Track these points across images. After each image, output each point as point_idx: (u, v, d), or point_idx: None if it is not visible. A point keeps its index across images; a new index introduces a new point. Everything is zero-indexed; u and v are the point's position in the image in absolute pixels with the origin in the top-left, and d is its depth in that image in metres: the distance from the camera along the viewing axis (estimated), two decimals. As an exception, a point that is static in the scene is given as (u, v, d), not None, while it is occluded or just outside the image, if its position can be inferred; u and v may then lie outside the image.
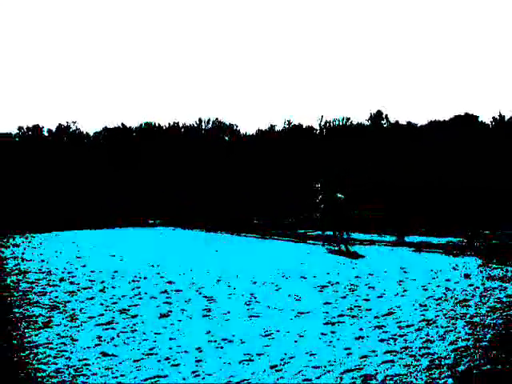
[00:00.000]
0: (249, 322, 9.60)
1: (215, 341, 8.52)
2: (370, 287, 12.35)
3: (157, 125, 57.68)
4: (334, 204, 20.46)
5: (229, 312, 10.27)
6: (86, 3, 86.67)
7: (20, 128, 53.91)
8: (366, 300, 11.05)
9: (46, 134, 53.81)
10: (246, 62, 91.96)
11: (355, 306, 10.51)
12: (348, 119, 65.32)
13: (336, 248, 20.02)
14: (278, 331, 8.99)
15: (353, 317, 9.77)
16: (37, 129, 53.96)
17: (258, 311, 10.29)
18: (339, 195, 20.53)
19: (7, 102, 75.06)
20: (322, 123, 65.94)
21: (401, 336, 8.55)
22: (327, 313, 10.07)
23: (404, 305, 10.49)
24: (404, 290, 11.84)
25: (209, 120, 61.71)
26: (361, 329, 8.99)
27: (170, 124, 58.31)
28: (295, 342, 8.43)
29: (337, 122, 64.68)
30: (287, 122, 63.66)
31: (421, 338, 8.37)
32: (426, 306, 10.37)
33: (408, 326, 9.04)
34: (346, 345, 8.20)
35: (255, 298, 11.48)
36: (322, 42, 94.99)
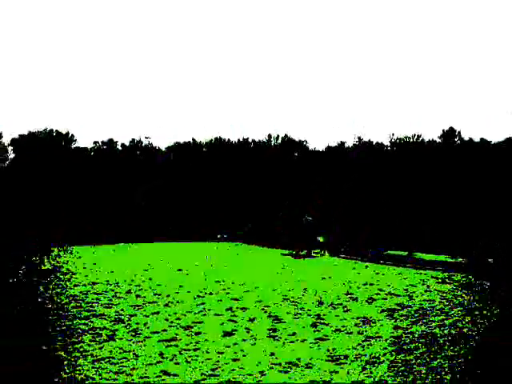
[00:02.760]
0: (315, 344, 9.17)
1: (280, 364, 8.15)
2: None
3: (226, 140, 58.18)
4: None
5: (295, 333, 9.87)
6: (161, 27, 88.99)
7: (95, 142, 55.68)
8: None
9: (120, 148, 55.31)
10: (316, 78, 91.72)
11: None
12: (419, 136, 63.71)
13: None
14: (346, 357, 8.52)
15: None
16: (111, 143, 55.54)
17: (325, 333, 9.84)
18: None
19: (85, 118, 77.81)
20: (393, 140, 64.58)
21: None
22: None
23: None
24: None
25: (278, 136, 61.72)
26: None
27: (239, 140, 58.70)
28: (364, 368, 7.94)
29: (407, 139, 63.20)
30: (357, 139, 62.77)
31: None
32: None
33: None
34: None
35: (322, 319, 11.03)
36: (394, 59, 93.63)
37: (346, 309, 12.10)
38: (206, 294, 13.94)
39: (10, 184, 48.69)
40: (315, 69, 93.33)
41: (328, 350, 8.81)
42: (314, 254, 25.78)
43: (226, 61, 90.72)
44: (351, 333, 9.91)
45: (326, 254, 26.40)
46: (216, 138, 57.32)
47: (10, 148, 56.27)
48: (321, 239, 27.15)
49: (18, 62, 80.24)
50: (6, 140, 56.04)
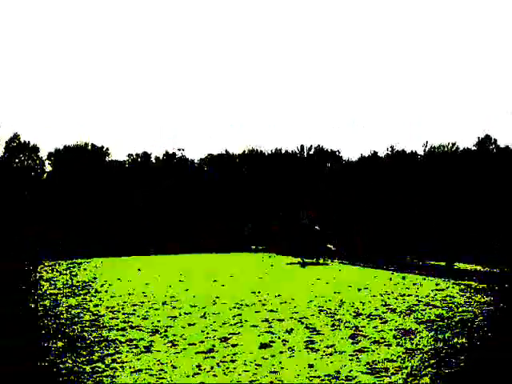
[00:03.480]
0: (354, 356, 9.02)
1: (319, 376, 8.03)
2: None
3: (259, 151, 58.23)
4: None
5: (333, 345, 9.74)
6: (190, 44, 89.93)
7: (130, 155, 56.38)
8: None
9: (154, 160, 55.88)
10: (348, 89, 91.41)
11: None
12: (453, 144, 62.80)
13: None
14: (386, 369, 8.35)
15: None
16: (146, 156, 56.15)
17: (364, 345, 9.69)
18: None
19: (120, 132, 78.95)
20: (427, 149, 63.80)
21: None
22: (440, 351, 9.29)
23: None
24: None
25: (311, 146, 61.57)
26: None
27: (272, 151, 58.67)
28: (405, 382, 7.77)
29: (441, 148, 62.33)
30: (390, 148, 62.21)
31: None
32: None
33: None
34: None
35: (360, 331, 10.86)
36: (427, 67, 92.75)
37: (383, 320, 11.91)
38: (242, 305, 13.89)
39: (48, 196, 49.60)
40: (348, 80, 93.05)
41: (368, 363, 8.66)
42: (321, 262, 26.47)
43: (258, 72, 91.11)
44: (390, 345, 9.73)
45: (335, 261, 27.22)
46: (249, 149, 57.48)
47: (47, 162, 57.34)
48: (331, 247, 27.53)
49: (55, 79, 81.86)
50: (44, 154, 57.12)
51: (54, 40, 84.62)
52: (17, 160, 56.68)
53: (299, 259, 27.16)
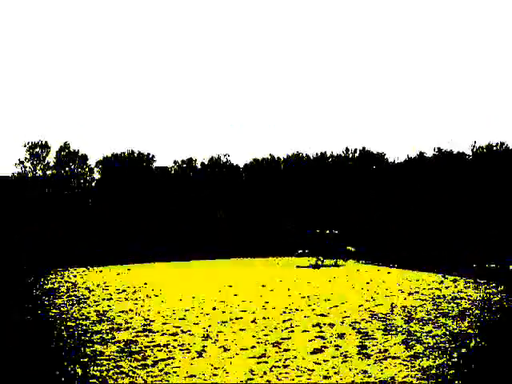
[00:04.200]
0: (408, 362, 8.86)
1: (374, 383, 7.91)
2: None
3: (304, 155, 58.02)
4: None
5: (386, 350, 9.59)
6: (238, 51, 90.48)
7: (175, 162, 56.91)
8: None
9: (199, 166, 56.26)
10: (393, 89, 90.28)
11: None
12: (502, 144, 61.17)
13: None
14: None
15: None
16: (191, 162, 56.57)
17: (418, 351, 9.50)
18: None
19: (165, 138, 79.99)
20: (475, 149, 62.41)
21: None
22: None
23: None
24: None
25: (356, 149, 60.98)
26: None
27: (317, 154, 58.36)
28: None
29: (490, 148, 60.87)
30: (437, 149, 61.08)
31: None
32: None
33: None
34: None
35: (413, 335, 10.67)
36: (471, 65, 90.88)
37: (437, 325, 11.68)
38: (291, 310, 13.84)
39: (98, 203, 50.53)
40: (389, 79, 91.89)
41: (422, 368, 8.49)
42: (339, 263, 27.59)
43: (300, 76, 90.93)
44: (445, 350, 9.53)
45: (349, 261, 28.78)
46: (294, 154, 57.26)
47: (95, 169, 58.45)
48: (351, 249, 29.32)
49: (102, 88, 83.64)
50: (92, 162, 58.29)
51: (96, 49, 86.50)
52: (67, 168, 58.01)
53: (314, 260, 27.96)
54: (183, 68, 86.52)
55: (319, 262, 26.78)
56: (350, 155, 61.55)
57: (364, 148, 61.77)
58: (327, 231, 28.97)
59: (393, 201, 47.61)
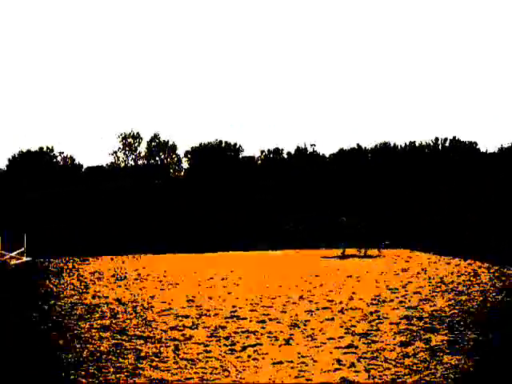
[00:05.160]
0: (503, 359, 8.56)
1: (465, 378, 7.71)
2: None
3: (392, 145, 56.86)
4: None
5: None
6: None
7: (262, 151, 57.42)
8: None
9: (286, 156, 56.44)
10: (485, 75, 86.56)
11: None
12: None
13: None
14: None
15: None
16: (278, 151, 56.86)
17: None
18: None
19: (252, 126, 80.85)
20: None
21: None
22: None
23: None
24: None
25: (446, 139, 59.08)
26: None
27: (405, 144, 57.02)
28: None
29: None
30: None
31: None
32: None
33: None
34: None
35: None
36: None
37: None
38: (379, 301, 13.68)
39: (186, 193, 51.82)
40: (483, 67, 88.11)
41: (518, 366, 8.18)
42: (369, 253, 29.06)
43: (387, 62, 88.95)
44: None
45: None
46: (381, 143, 56.21)
47: (184, 159, 60.04)
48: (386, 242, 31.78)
49: (189, 79, 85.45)
50: (181, 152, 59.95)
51: (181, 40, 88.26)
52: (157, 158, 59.93)
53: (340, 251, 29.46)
54: (269, 56, 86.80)
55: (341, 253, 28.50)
56: (440, 145, 59.70)
57: (455, 137, 59.74)
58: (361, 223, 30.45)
59: (487, 192, 45.85)
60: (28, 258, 27.93)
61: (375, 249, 29.46)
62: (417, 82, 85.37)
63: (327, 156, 56.65)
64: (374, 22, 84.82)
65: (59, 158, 57.81)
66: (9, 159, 56.62)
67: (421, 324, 11.00)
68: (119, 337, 10.57)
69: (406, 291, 15.27)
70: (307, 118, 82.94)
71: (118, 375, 8.21)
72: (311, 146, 56.11)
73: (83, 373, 8.36)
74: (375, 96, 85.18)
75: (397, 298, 14.19)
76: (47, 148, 57.46)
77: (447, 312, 12.23)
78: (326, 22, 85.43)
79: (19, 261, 27.20)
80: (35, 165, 55.14)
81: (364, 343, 9.56)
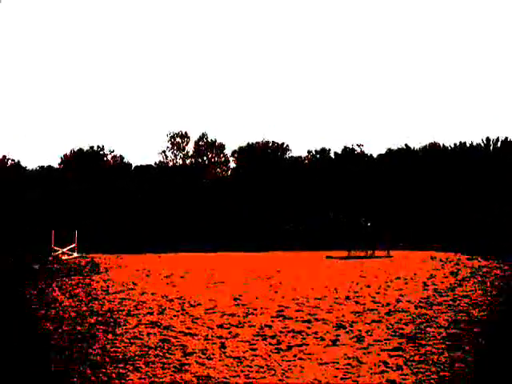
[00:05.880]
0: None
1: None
2: None
3: (441, 145, 55.78)
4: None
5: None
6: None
7: (309, 151, 57.24)
8: None
9: (333, 156, 56.09)
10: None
11: None
12: None
13: None
14: None
15: None
16: (324, 151, 56.57)
17: None
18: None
19: (299, 127, 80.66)
20: None
21: None
22: None
23: None
24: None
25: (497, 139, 57.59)
26: None
27: (455, 144, 55.88)
28: None
29: None
30: None
31: None
32: None
33: None
34: None
35: None
36: None
37: None
38: (427, 304, 13.46)
39: (233, 191, 52.18)
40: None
41: None
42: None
43: (436, 60, 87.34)
44: None
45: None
46: (430, 144, 55.21)
47: (231, 159, 60.42)
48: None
49: (237, 80, 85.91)
50: (229, 151, 60.34)
51: (231, 40, 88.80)
52: (205, 158, 60.47)
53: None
54: (317, 56, 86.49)
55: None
56: (492, 145, 58.25)
57: (507, 138, 58.17)
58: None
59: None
60: (78, 254, 28.63)
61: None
62: (468, 81, 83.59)
63: (375, 156, 56.07)
64: (425, 18, 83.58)
65: (109, 157, 59.03)
66: (61, 158, 58.16)
67: (469, 328, 10.77)
68: (166, 333, 10.74)
69: (454, 295, 14.97)
70: (355, 117, 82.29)
71: (164, 371, 8.34)
72: (358, 146, 55.65)
73: (131, 368, 8.52)
74: (425, 96, 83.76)
75: (445, 301, 13.93)
76: (98, 147, 58.72)
77: (497, 317, 11.94)
78: (375, 21, 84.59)
79: (70, 256, 27.90)
80: (86, 163, 56.41)
81: (411, 346, 9.43)
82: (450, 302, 13.71)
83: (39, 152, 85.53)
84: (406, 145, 55.37)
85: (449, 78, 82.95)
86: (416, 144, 55.99)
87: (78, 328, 11.39)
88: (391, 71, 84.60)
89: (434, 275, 19.53)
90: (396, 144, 60.23)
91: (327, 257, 27.92)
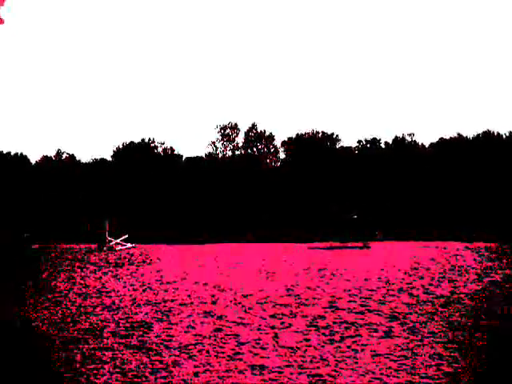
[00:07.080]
0: None
1: None
2: None
3: (495, 133, 54.27)
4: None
5: None
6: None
7: (359, 141, 56.59)
8: None
9: (383, 146, 55.35)
10: None
11: None
12: None
13: None
14: None
15: None
16: (375, 141, 55.87)
17: None
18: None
19: (350, 117, 79.86)
20: None
21: None
22: None
23: None
24: None
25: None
26: None
27: (510, 132, 54.25)
28: None
29: None
30: None
31: None
32: None
33: None
34: None
35: None
36: None
37: None
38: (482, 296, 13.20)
39: (283, 182, 52.22)
40: None
41: None
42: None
43: (489, 48, 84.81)
44: None
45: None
46: (484, 132, 53.76)
47: (281, 149, 60.38)
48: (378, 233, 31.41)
49: (286, 71, 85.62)
50: (278, 142, 60.34)
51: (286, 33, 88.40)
52: (254, 148, 60.65)
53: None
54: (367, 46, 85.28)
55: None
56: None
57: None
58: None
59: None
60: (132, 244, 29.19)
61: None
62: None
63: (426, 146, 55.03)
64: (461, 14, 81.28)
65: (160, 149, 59.84)
66: (114, 150, 59.34)
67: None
68: (220, 322, 10.90)
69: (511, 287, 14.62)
70: (406, 107, 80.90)
71: (219, 359, 8.48)
72: (409, 135, 54.72)
73: (186, 356, 8.70)
74: (475, 83, 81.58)
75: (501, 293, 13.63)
76: (149, 139, 59.63)
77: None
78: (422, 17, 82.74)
79: (124, 247, 28.50)
80: (138, 155, 57.43)
81: (467, 339, 9.30)
82: (507, 294, 13.41)
83: (92, 145, 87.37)
84: (458, 133, 54.12)
85: (503, 66, 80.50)
86: (469, 133, 54.71)
87: (134, 316, 11.69)
88: (443, 60, 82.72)
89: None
90: (448, 134, 58.98)
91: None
